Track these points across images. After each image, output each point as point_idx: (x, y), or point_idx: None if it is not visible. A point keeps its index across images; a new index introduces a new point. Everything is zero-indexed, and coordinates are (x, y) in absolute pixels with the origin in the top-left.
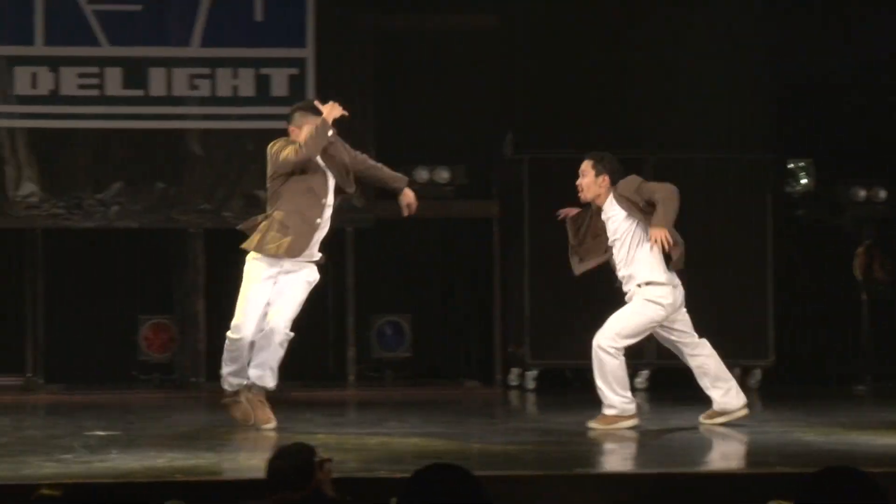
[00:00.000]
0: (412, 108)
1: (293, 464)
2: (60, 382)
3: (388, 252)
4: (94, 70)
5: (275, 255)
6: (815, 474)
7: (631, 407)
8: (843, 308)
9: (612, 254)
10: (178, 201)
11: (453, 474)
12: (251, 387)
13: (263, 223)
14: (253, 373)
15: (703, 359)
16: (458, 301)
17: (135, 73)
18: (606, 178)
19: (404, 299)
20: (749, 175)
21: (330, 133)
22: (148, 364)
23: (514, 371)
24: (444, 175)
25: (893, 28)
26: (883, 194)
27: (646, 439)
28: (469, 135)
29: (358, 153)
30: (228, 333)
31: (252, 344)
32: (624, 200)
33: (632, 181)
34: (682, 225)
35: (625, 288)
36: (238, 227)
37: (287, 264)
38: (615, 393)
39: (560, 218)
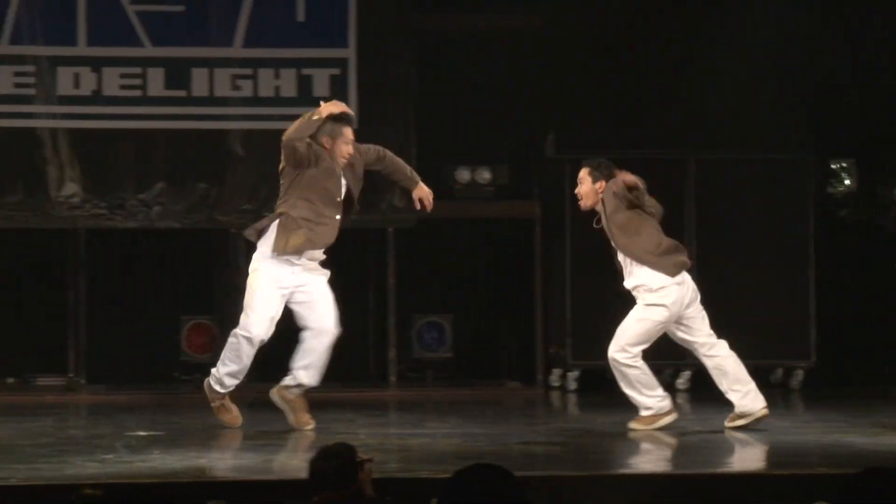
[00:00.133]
0: (453, 108)
1: (336, 464)
2: (102, 383)
3: (429, 252)
4: (137, 71)
5: (295, 252)
6: (856, 475)
7: (665, 403)
8: (885, 309)
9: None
10: (220, 202)
11: (494, 475)
12: (297, 387)
13: (278, 222)
14: (301, 374)
15: (720, 360)
16: (499, 301)
17: (177, 73)
18: (604, 184)
19: (445, 300)
20: (791, 176)
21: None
22: (189, 364)
23: (556, 372)
24: (485, 175)
25: None
26: None
27: (686, 440)
28: (510, 135)
29: (370, 146)
30: (236, 331)
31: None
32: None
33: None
34: (725, 226)
35: (633, 293)
36: (245, 234)
37: (299, 270)
38: (645, 395)
39: (598, 227)
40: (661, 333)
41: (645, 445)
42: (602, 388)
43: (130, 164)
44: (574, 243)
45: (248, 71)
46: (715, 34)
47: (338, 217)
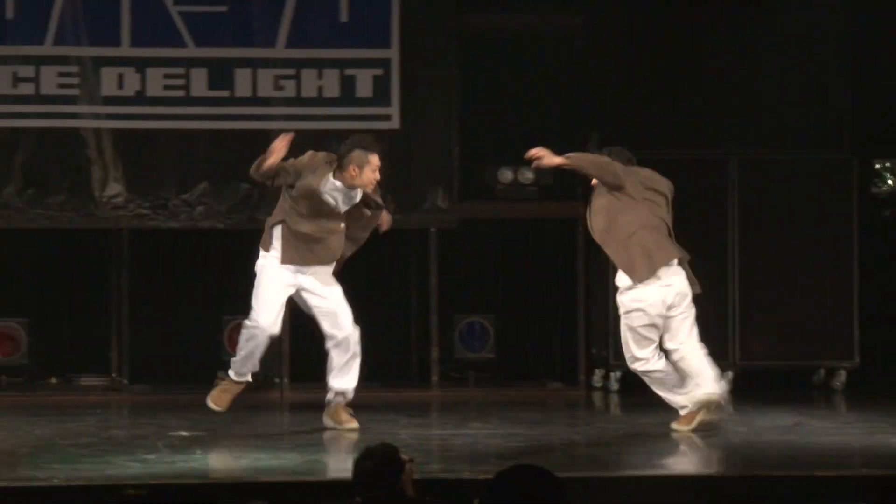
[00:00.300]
0: (496, 108)
1: (380, 464)
2: (145, 382)
3: (471, 253)
4: (180, 71)
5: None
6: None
7: (698, 393)
8: None
9: None
10: (262, 202)
11: (536, 475)
12: (339, 393)
13: (281, 232)
14: (338, 382)
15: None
16: (541, 302)
17: (220, 73)
18: None
19: (488, 300)
20: (834, 175)
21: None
22: None
23: (598, 372)
24: (528, 175)
25: None
26: None
27: (729, 441)
28: (553, 135)
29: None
30: (245, 321)
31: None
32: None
33: None
34: (767, 226)
35: None
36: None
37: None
38: (678, 394)
39: None
40: (658, 329)
41: (686, 447)
42: (644, 388)
43: (173, 165)
44: None
45: (291, 71)
46: (757, 33)
47: (342, 226)
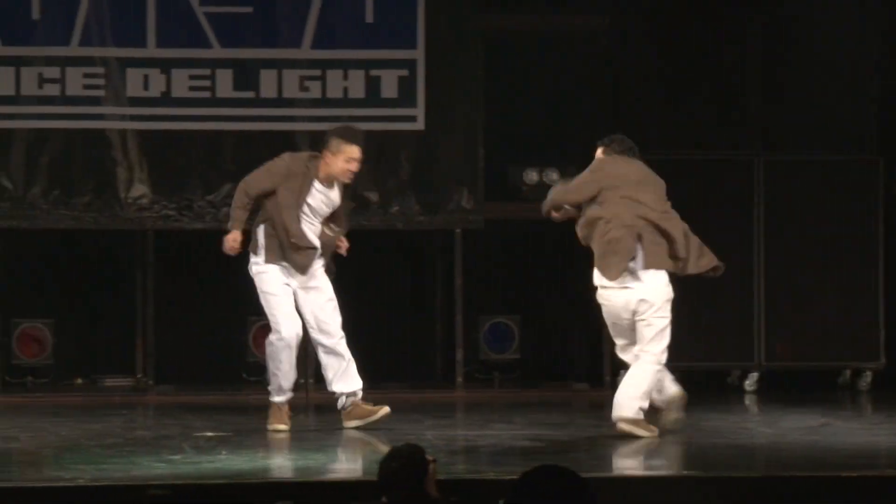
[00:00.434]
0: (521, 108)
1: (405, 465)
2: (170, 383)
3: (496, 253)
4: (206, 72)
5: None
6: None
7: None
8: None
9: None
10: None
11: (561, 476)
12: (350, 395)
13: (262, 231)
14: (342, 385)
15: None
16: (566, 302)
17: (245, 74)
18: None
19: (513, 301)
20: (860, 176)
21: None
22: (256, 365)
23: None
24: (553, 176)
25: None
26: None
27: (754, 442)
28: (578, 136)
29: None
30: (269, 337)
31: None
32: None
33: None
34: (793, 227)
35: None
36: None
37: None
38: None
39: None
40: (622, 329)
41: (711, 447)
42: None
43: (199, 166)
44: None
45: (317, 72)
46: (783, 34)
47: (322, 228)
